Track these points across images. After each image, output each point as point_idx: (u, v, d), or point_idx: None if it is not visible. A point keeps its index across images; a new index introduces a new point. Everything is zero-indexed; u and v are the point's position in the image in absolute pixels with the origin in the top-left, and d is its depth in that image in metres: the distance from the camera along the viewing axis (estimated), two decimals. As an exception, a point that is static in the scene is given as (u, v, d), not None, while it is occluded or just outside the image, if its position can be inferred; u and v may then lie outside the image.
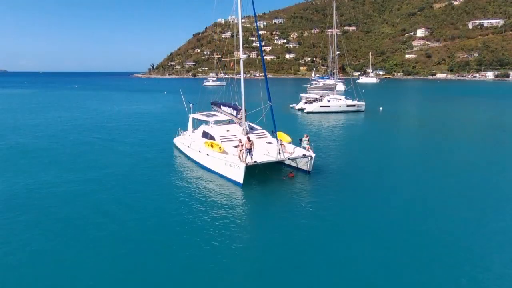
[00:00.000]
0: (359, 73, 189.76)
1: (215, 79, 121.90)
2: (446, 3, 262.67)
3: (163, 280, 9.51)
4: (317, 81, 59.41)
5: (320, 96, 51.52)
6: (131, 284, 9.37)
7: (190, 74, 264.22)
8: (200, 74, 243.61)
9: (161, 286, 9.29)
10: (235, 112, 22.32)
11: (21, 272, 9.97)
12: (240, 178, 16.84)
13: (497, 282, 9.18)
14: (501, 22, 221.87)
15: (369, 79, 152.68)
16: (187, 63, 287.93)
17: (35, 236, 12.02)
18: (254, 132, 21.45)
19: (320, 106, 48.95)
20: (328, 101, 49.79)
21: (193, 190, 16.60)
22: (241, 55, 20.62)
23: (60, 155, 23.74)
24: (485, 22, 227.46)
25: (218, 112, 24.83)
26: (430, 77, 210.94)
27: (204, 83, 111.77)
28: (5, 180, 18.07)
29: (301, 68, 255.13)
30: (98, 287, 9.22)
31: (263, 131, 21.70)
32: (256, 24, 20.84)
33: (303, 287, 9.16)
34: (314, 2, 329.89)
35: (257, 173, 17.98)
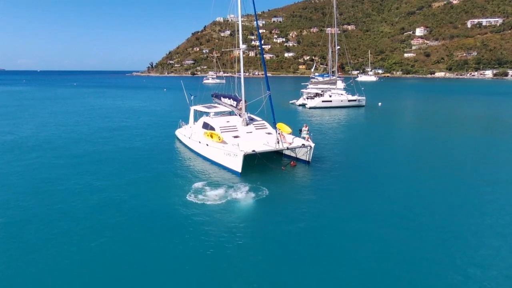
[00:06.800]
0: (358, 71, 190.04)
1: (214, 76, 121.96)
2: (445, 2, 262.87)
3: (157, 270, 9.51)
4: (317, 79, 59.67)
5: (322, 91, 51.83)
6: (128, 272, 9.28)
7: (189, 72, 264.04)
8: (199, 73, 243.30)
9: (156, 277, 9.29)
10: (235, 103, 22.47)
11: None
12: (238, 167, 16.95)
13: (497, 281, 8.97)
14: (500, 21, 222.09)
15: (368, 78, 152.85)
16: (186, 62, 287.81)
17: (30, 227, 12.04)
18: (254, 123, 21.59)
19: (322, 101, 49.22)
20: (330, 96, 50.08)
21: (191, 179, 16.66)
22: (241, 45, 20.75)
23: (61, 144, 23.86)
24: (484, 21, 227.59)
25: (219, 104, 25.02)
26: (429, 75, 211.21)
27: (204, 81, 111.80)
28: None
29: (300, 67, 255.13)
30: (93, 278, 9.07)
31: (263, 122, 21.83)
32: (255, 12, 20.91)
33: (301, 278, 9.18)
34: (313, 1, 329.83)
35: (256, 163, 18.06)
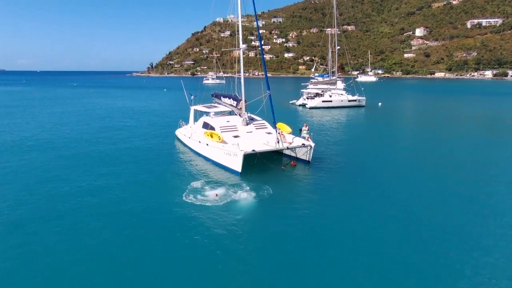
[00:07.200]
0: (358, 72, 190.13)
1: (214, 77, 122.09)
2: (445, 3, 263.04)
3: (156, 270, 9.46)
4: (317, 79, 59.73)
5: (322, 91, 51.86)
6: (126, 272, 9.19)
7: (189, 73, 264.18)
8: (199, 73, 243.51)
9: (156, 277, 9.24)
10: (235, 102, 22.46)
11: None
12: (238, 167, 16.92)
13: (497, 281, 8.86)
14: (500, 21, 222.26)
15: (368, 78, 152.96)
16: (186, 62, 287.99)
17: (29, 225, 12.02)
18: (254, 122, 21.58)
19: (323, 101, 49.26)
20: (330, 96, 50.11)
21: (191, 179, 16.60)
22: (241, 44, 20.74)
23: (61, 143, 23.86)
24: (484, 22, 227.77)
25: (219, 103, 25.02)
26: (429, 76, 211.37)
27: (204, 81, 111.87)
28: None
29: (300, 67, 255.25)
30: (93, 278, 9.02)
31: (263, 121, 21.82)
32: (255, 12, 20.91)
33: (302, 278, 9.14)
34: (313, 1, 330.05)
35: (256, 163, 18.01)
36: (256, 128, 20.97)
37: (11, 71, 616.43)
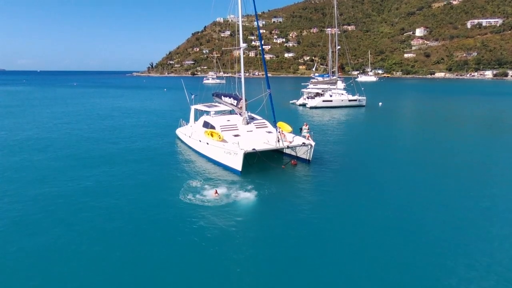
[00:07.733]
0: (358, 72, 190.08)
1: (214, 77, 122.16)
2: (445, 3, 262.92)
3: (156, 270, 9.48)
4: (317, 79, 59.75)
5: (322, 91, 51.89)
6: (124, 273, 9.14)
7: (189, 72, 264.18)
8: (199, 73, 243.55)
9: (156, 276, 9.26)
10: (235, 102, 22.49)
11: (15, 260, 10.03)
12: (238, 166, 16.94)
13: (497, 281, 8.86)
14: (500, 21, 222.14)
15: (368, 78, 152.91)
16: (186, 62, 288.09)
17: (32, 226, 12.04)
18: (254, 122, 21.60)
19: (323, 101, 49.29)
20: (331, 95, 50.15)
21: (192, 178, 16.62)
22: (241, 43, 20.75)
23: (62, 143, 23.86)
24: (484, 22, 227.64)
25: (219, 103, 25.05)
26: (429, 76, 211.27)
27: (204, 81, 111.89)
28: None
29: (300, 67, 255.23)
30: (91, 276, 9.04)
31: (264, 120, 21.84)
32: (255, 12, 20.92)
33: (301, 278, 9.13)
34: (313, 1, 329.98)
35: (256, 162, 18.04)
36: (257, 127, 20.99)
37: (12, 71, 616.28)
